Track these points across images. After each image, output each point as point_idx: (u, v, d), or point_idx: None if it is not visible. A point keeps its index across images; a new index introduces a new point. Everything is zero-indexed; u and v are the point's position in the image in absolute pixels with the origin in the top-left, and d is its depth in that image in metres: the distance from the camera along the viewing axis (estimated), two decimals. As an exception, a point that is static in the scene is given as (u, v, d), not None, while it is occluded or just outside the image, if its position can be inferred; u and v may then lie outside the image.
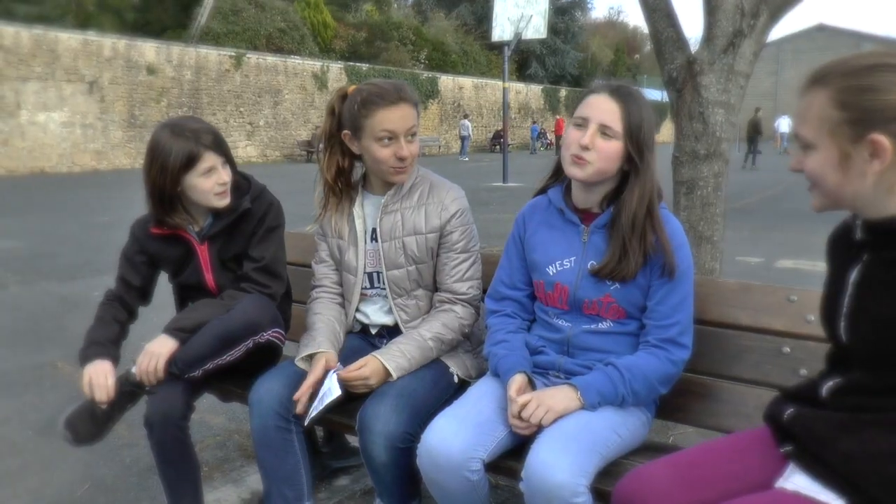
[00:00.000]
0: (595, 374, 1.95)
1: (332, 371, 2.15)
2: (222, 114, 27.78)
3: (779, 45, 53.41)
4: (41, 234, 10.24)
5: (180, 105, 26.26)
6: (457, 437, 1.84)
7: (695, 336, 2.08)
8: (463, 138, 34.40)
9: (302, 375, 2.19)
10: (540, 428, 1.87)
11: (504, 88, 19.97)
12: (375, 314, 2.43)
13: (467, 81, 41.17)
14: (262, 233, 2.47)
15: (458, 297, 2.32)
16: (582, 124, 1.97)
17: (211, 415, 3.60)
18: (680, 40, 3.55)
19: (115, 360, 2.39)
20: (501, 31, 19.49)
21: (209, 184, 2.36)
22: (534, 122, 42.41)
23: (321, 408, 2.10)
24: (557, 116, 44.44)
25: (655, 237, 1.97)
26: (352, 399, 2.26)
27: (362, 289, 2.40)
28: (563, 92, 48.92)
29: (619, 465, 1.90)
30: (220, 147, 2.40)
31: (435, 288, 2.39)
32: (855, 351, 1.49)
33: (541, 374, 2.09)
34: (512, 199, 14.70)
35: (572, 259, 2.07)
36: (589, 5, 64.72)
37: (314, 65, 31.55)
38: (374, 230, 2.36)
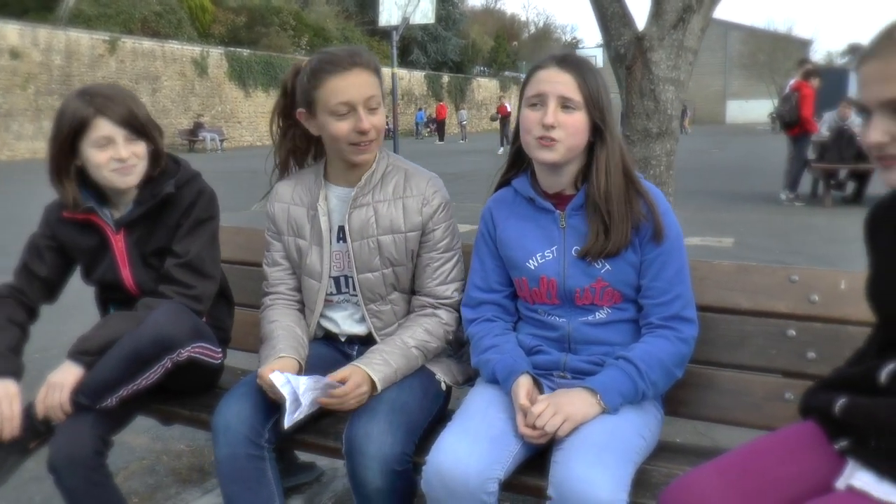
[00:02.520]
0: (610, 372, 1.76)
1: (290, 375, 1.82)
2: (96, 102, 26.18)
3: (652, 31, 55.39)
4: None
5: (50, 92, 24.52)
6: (472, 457, 1.61)
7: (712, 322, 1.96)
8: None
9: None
10: (553, 437, 1.68)
11: (393, 74, 19.71)
12: (345, 322, 2.15)
13: (351, 67, 40.58)
14: (190, 225, 2.12)
15: (441, 301, 2.07)
16: (538, 103, 1.80)
17: (131, 435, 3.17)
18: (626, 16, 3.44)
19: (18, 374, 2.01)
20: (389, 15, 19.23)
21: (102, 157, 2.01)
22: (420, 109, 42.31)
23: (304, 409, 1.80)
24: (439, 102, 44.46)
25: (642, 201, 1.82)
26: (324, 416, 1.99)
27: (327, 294, 2.11)
28: (445, 78, 49.06)
29: (646, 472, 1.73)
30: (128, 119, 2.03)
31: (412, 290, 2.12)
32: None
33: (543, 375, 1.88)
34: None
35: (553, 249, 1.88)
36: (468, -8, 65.00)
37: (193, 50, 30.22)
38: (340, 228, 2.06)
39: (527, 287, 1.92)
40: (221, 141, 28.30)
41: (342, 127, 1.93)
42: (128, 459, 3.03)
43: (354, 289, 2.08)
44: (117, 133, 2.02)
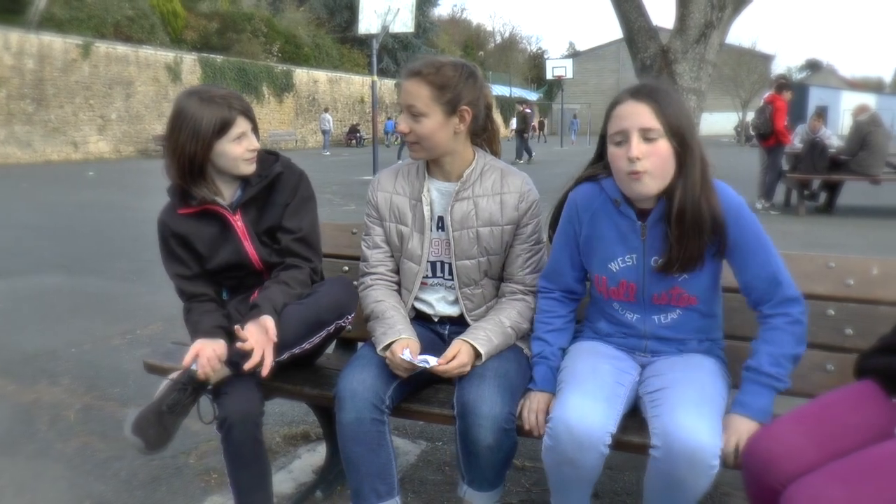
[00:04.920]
0: (751, 388, 1.94)
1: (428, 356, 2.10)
2: (70, 106, 25.92)
3: (620, 44, 56.27)
4: None
5: (22, 96, 24.28)
6: (595, 413, 1.84)
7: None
8: (324, 132, 33.85)
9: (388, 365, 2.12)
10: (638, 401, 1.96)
11: (373, 82, 19.87)
12: (439, 304, 2.36)
13: (322, 75, 40.68)
14: (296, 203, 2.37)
15: (530, 288, 2.29)
16: (622, 140, 1.91)
17: (188, 421, 3.31)
18: (651, 30, 3.72)
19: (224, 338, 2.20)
20: (368, 24, 19.31)
21: (240, 150, 2.25)
22: (388, 118, 42.55)
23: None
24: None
25: (714, 221, 1.92)
26: (424, 387, 2.24)
27: (423, 277, 2.34)
28: (416, 87, 49.27)
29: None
30: (250, 114, 2.31)
31: (500, 277, 2.34)
32: None
33: (626, 351, 2.13)
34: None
35: (634, 256, 2.03)
36: (438, 2, 65.37)
37: (167, 56, 30.09)
38: (440, 218, 2.29)
39: (605, 284, 2.09)
40: (195, 147, 28.19)
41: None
42: (195, 441, 3.17)
43: (449, 273, 2.30)
44: (248, 127, 2.28)
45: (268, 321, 2.09)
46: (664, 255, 1.97)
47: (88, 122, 26.60)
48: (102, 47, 27.14)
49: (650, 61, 3.65)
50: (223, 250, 2.34)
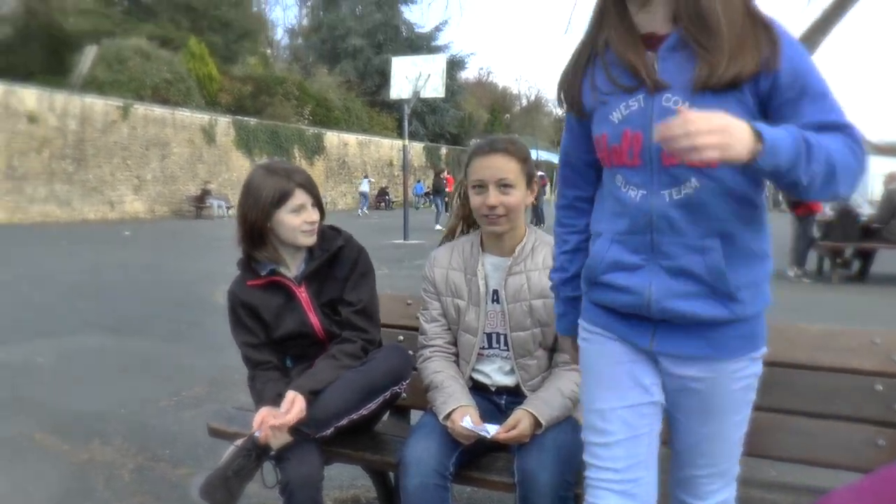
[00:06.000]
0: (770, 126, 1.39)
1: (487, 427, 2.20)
2: (108, 166, 26.67)
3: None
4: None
5: (63, 156, 25.05)
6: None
7: (788, 378, 2.24)
8: (363, 194, 35.31)
9: (450, 433, 2.21)
10: None
11: (405, 145, 20.36)
12: (496, 374, 2.45)
13: (352, 138, 41.45)
14: (356, 277, 2.51)
15: None
16: None
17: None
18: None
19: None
20: (400, 89, 19.83)
21: (298, 221, 2.41)
22: (418, 181, 43.11)
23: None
24: (447, 174, 45.01)
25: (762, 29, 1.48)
26: (481, 456, 2.31)
27: (480, 349, 2.43)
28: (443, 150, 49.95)
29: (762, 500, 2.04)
30: (311, 188, 2.46)
31: (553, 348, 2.42)
32: None
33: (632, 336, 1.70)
34: (419, 255, 14.57)
35: (639, 97, 1.56)
36: (465, 65, 66.73)
37: (202, 118, 31.02)
38: (494, 291, 2.40)
39: (605, 144, 1.63)
40: (228, 208, 28.72)
41: (476, 200, 2.34)
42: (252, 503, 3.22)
43: (505, 344, 2.40)
44: (307, 201, 2.44)
45: (288, 395, 2.24)
46: (696, 70, 1.47)
47: (125, 182, 27.30)
48: (141, 109, 28.02)
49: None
50: (289, 320, 2.47)
